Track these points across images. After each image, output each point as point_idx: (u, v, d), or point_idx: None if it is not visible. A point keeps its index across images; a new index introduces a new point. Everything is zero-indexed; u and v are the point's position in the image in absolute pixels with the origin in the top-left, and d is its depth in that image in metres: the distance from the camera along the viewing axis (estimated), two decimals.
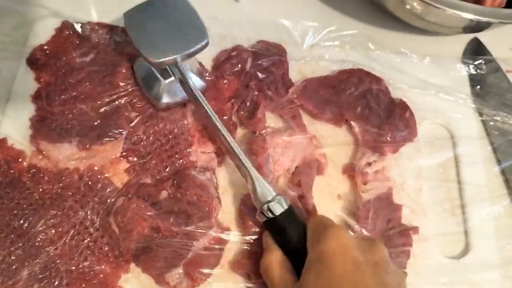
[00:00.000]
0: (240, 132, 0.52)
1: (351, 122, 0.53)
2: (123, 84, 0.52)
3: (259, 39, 0.56)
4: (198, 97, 0.47)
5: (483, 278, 0.48)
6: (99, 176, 0.48)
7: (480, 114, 0.56)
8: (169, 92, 0.50)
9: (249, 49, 0.55)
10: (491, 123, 0.56)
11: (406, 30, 0.61)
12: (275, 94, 0.53)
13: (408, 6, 0.54)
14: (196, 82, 0.49)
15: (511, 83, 0.58)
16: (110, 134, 0.49)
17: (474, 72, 0.59)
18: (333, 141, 0.53)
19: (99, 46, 0.54)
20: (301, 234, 0.42)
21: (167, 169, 0.49)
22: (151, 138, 0.50)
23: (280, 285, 0.40)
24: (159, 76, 0.50)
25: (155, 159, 0.49)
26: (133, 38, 0.47)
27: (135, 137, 0.50)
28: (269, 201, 0.43)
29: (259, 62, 0.55)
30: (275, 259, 0.42)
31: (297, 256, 0.41)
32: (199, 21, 0.48)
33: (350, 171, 0.51)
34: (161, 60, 0.45)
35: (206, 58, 0.55)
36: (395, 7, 0.57)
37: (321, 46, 0.57)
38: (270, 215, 0.42)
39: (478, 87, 0.58)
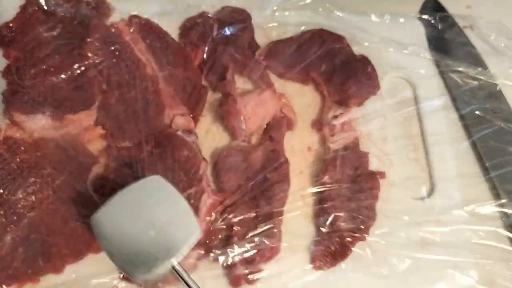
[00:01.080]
0: (211, 96, 0.54)
1: (317, 79, 0.55)
2: (92, 55, 0.53)
3: (224, 5, 0.58)
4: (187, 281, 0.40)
5: (449, 216, 0.50)
6: (75, 143, 0.49)
7: (438, 67, 0.59)
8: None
9: (214, 15, 0.57)
10: (450, 74, 0.58)
11: None
12: (243, 57, 0.55)
13: None
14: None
15: (467, 38, 0.61)
16: (82, 103, 0.50)
17: (431, 28, 0.62)
18: (300, 98, 0.55)
19: (65, 20, 0.55)
20: None
21: (143, 132, 0.50)
22: (124, 104, 0.51)
23: None
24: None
25: (130, 124, 0.50)
26: (104, 247, 0.38)
27: (108, 105, 0.51)
28: None
29: (225, 27, 0.56)
30: None
31: None
32: (184, 207, 0.40)
33: (318, 125, 0.54)
34: (143, 278, 0.38)
35: (173, 26, 0.56)
36: None
37: (284, 9, 0.59)
38: None
39: (436, 42, 0.61)
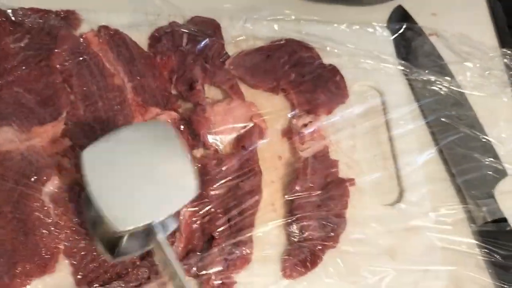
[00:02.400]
0: (181, 105, 0.54)
1: (286, 89, 0.56)
2: (59, 66, 0.52)
3: (194, 15, 0.58)
4: (170, 259, 0.36)
5: (417, 222, 0.51)
6: (40, 156, 0.48)
7: (406, 75, 0.60)
8: (129, 243, 0.37)
9: (184, 26, 0.57)
10: (417, 82, 0.59)
11: (334, 2, 0.65)
12: (212, 67, 0.55)
13: None
14: (169, 225, 0.39)
15: (433, 46, 0.63)
16: (50, 115, 0.50)
17: (399, 37, 0.63)
18: (271, 108, 0.55)
19: (33, 31, 0.54)
20: None
21: None
22: (92, 115, 0.51)
23: None
24: (111, 228, 0.34)
25: (98, 134, 0.49)
26: (91, 189, 0.33)
27: (76, 116, 0.50)
28: None
29: (195, 37, 0.56)
30: None
31: None
32: (186, 162, 0.36)
33: (288, 133, 0.54)
34: (128, 228, 0.33)
35: (142, 37, 0.56)
36: None
37: (254, 20, 0.60)
38: None
39: (403, 50, 0.62)
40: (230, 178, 0.50)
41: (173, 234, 0.42)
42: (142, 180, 0.34)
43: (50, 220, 0.45)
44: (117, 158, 0.35)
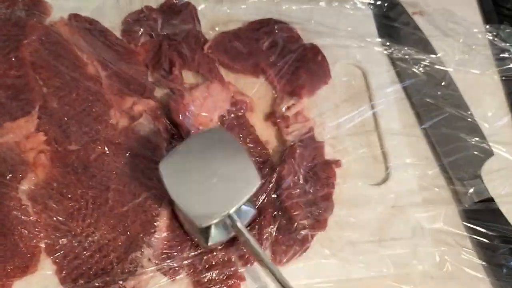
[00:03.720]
0: (159, 92, 0.52)
1: (267, 71, 0.54)
2: (29, 57, 0.50)
3: None
4: (252, 245, 0.41)
5: (404, 202, 0.51)
6: (14, 153, 0.46)
7: (389, 54, 0.59)
8: (218, 230, 0.43)
9: (158, 9, 0.55)
10: (400, 61, 0.58)
11: None
12: (190, 51, 0.53)
13: None
14: (246, 212, 0.45)
15: (416, 24, 0.61)
16: (21, 109, 0.48)
17: (381, 16, 0.61)
18: (252, 91, 0.54)
19: (0, 23, 0.52)
20: None
21: (89, 134, 0.48)
22: (66, 107, 0.49)
23: None
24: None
25: (74, 127, 0.48)
26: (174, 196, 0.39)
27: (49, 109, 0.48)
28: None
29: (170, 21, 0.54)
30: None
31: None
32: (246, 158, 0.41)
33: (272, 117, 0.53)
34: (208, 223, 0.39)
35: (115, 23, 0.54)
36: None
37: (231, 1, 0.58)
38: None
39: (386, 29, 0.60)
40: None
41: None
42: (212, 180, 0.40)
43: (29, 219, 0.44)
44: (188, 165, 0.41)
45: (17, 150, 0.46)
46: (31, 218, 0.44)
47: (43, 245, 0.44)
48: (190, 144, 0.42)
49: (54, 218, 0.44)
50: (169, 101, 0.50)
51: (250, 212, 0.45)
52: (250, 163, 0.41)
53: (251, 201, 0.46)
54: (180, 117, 0.49)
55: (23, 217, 0.44)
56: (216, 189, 0.40)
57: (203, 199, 0.40)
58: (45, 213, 0.44)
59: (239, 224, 0.41)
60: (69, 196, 0.45)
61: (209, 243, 0.43)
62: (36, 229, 0.44)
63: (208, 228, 0.42)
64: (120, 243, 0.44)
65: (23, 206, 0.44)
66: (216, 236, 0.43)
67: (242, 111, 0.52)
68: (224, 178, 0.40)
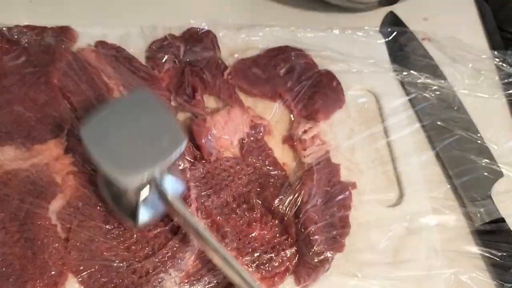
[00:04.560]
0: (181, 116, 0.54)
1: (284, 96, 0.56)
2: (58, 83, 0.52)
3: (190, 27, 0.59)
4: (186, 217, 0.41)
5: (418, 223, 0.52)
6: (43, 174, 0.48)
7: (400, 79, 0.61)
8: (146, 207, 0.43)
9: (181, 37, 0.58)
10: (411, 86, 0.60)
11: (328, 9, 0.65)
12: (211, 77, 0.56)
13: None
14: (175, 186, 0.44)
15: (425, 50, 0.64)
16: (51, 132, 0.50)
17: (392, 42, 0.64)
18: (270, 115, 0.56)
19: (30, 48, 0.54)
20: None
21: None
22: None
23: None
24: (130, 193, 0.42)
25: None
26: (94, 154, 0.38)
27: (77, 132, 0.50)
28: None
29: (192, 48, 0.57)
30: None
31: None
32: (171, 120, 0.42)
33: (289, 140, 0.55)
34: (134, 180, 0.38)
35: (139, 49, 0.57)
36: None
37: (250, 29, 0.61)
38: None
39: (397, 55, 0.63)
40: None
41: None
42: (137, 140, 0.40)
43: (57, 238, 0.46)
44: (111, 127, 0.40)
45: (46, 172, 0.48)
46: (60, 238, 0.46)
47: (71, 264, 0.45)
48: (114, 107, 0.41)
49: (81, 238, 0.46)
50: (192, 124, 0.52)
51: (179, 187, 0.44)
52: (175, 123, 0.41)
53: (179, 176, 0.46)
54: (203, 140, 0.51)
55: (52, 237, 0.45)
56: (141, 150, 0.39)
57: (127, 160, 0.39)
58: (72, 232, 0.46)
59: (171, 196, 0.40)
60: (94, 217, 0.47)
61: (139, 222, 0.42)
62: (64, 249, 0.45)
63: (136, 207, 0.42)
64: (147, 265, 0.45)
65: (52, 226, 0.46)
66: (145, 214, 0.42)
67: (260, 134, 0.54)
68: (148, 138, 0.40)
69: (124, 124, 0.40)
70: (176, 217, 0.43)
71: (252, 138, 0.53)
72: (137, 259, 0.46)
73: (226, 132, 0.53)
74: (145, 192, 0.41)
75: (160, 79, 0.55)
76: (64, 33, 0.56)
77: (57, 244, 0.45)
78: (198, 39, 0.58)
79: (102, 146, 0.39)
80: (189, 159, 0.51)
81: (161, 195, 0.41)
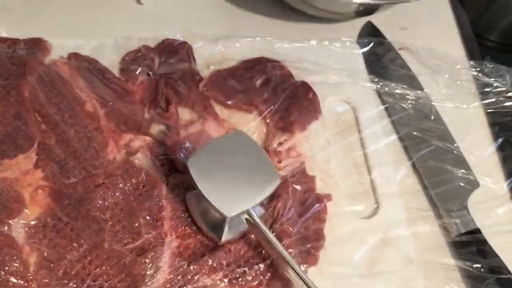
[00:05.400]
0: (155, 128, 0.54)
1: (260, 107, 0.56)
2: (29, 95, 0.52)
3: (165, 38, 0.58)
4: (270, 238, 0.45)
5: (393, 234, 0.52)
6: (11, 189, 0.47)
7: (377, 89, 0.61)
8: (231, 227, 0.47)
9: (155, 48, 0.57)
10: (388, 97, 0.60)
11: (304, 20, 0.65)
12: (186, 89, 0.55)
13: None
14: (259, 210, 0.48)
15: (403, 60, 0.64)
16: (20, 147, 0.49)
17: (369, 52, 0.64)
18: (246, 127, 0.56)
19: (1, 61, 0.53)
20: None
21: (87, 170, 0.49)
22: (65, 144, 0.50)
23: None
24: (221, 215, 0.45)
25: (72, 163, 0.49)
26: (201, 188, 0.43)
27: (48, 145, 0.50)
28: None
29: (167, 60, 0.56)
30: None
31: None
32: (266, 158, 0.46)
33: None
34: (234, 213, 0.43)
35: (113, 61, 0.56)
36: None
37: (226, 41, 0.60)
38: None
39: (374, 65, 0.63)
40: None
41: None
42: (237, 177, 0.45)
43: (21, 257, 0.44)
44: (213, 163, 0.45)
45: (15, 187, 0.47)
46: (23, 256, 0.44)
47: (34, 285, 0.43)
48: (215, 144, 0.46)
49: (46, 257, 0.44)
50: (165, 137, 0.51)
51: (261, 210, 0.49)
52: (270, 163, 0.46)
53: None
54: (177, 153, 0.50)
55: (15, 255, 0.44)
56: (239, 185, 0.44)
57: (228, 193, 0.44)
58: (38, 251, 0.45)
59: (257, 220, 0.44)
60: (64, 235, 0.46)
61: (223, 239, 0.47)
62: (28, 268, 0.44)
63: (222, 225, 0.46)
64: (118, 285, 0.44)
65: (16, 244, 0.44)
66: (228, 232, 0.47)
67: None
68: (246, 175, 0.45)
69: (224, 160, 0.45)
70: (258, 236, 0.47)
71: None
72: (110, 278, 0.45)
73: (200, 145, 0.52)
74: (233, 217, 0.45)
75: (134, 91, 0.55)
76: (36, 45, 0.55)
77: (20, 263, 0.43)
78: (173, 50, 0.57)
79: (207, 179, 0.44)
80: (164, 171, 0.50)
81: (251, 219, 0.45)
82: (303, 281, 0.44)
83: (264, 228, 0.45)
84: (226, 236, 0.47)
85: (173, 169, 0.51)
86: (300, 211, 0.51)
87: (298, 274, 0.44)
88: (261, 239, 0.47)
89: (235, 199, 0.44)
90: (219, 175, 0.44)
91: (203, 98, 0.56)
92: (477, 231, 0.51)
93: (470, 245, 0.50)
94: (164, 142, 0.51)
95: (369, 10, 0.64)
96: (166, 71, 0.56)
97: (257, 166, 0.45)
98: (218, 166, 0.45)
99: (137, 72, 0.55)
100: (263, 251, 0.48)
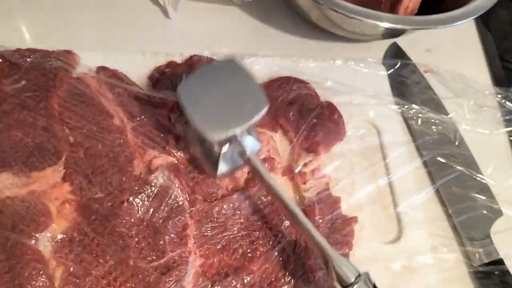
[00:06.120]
0: (181, 144, 0.54)
1: (285, 127, 0.56)
2: (58, 108, 0.52)
3: (192, 54, 0.58)
4: (262, 173, 0.46)
5: (416, 261, 0.52)
6: (39, 202, 0.47)
7: (402, 112, 0.61)
8: (225, 161, 0.48)
9: (183, 64, 0.57)
10: (412, 120, 0.60)
11: (330, 39, 0.66)
12: None
13: (328, 17, 0.58)
14: (253, 145, 0.48)
15: (428, 83, 0.64)
16: (49, 159, 0.49)
17: (394, 74, 0.64)
18: (269, 146, 0.56)
19: (31, 72, 0.54)
20: None
21: (114, 185, 0.49)
22: (92, 158, 0.50)
23: None
24: (214, 146, 0.47)
25: (99, 177, 0.49)
26: (188, 112, 0.43)
27: (75, 159, 0.50)
28: (353, 283, 0.40)
29: None
30: None
31: None
32: (255, 86, 0.45)
33: (289, 172, 0.54)
34: (218, 137, 0.43)
35: (141, 76, 0.56)
36: (318, 18, 0.61)
37: (252, 58, 0.60)
38: None
39: (398, 87, 0.63)
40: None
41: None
42: (225, 102, 0.44)
43: (47, 271, 0.44)
44: (202, 89, 0.45)
45: (42, 200, 0.48)
46: (49, 271, 0.45)
47: None
48: (206, 71, 0.46)
49: (72, 272, 0.45)
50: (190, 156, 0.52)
51: (256, 146, 0.49)
52: (259, 89, 0.45)
53: (257, 137, 0.50)
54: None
55: (41, 269, 0.44)
56: (227, 110, 0.44)
57: (214, 117, 0.44)
58: (64, 266, 0.45)
59: (248, 153, 0.45)
60: (90, 250, 0.46)
61: (218, 173, 0.48)
62: (54, 283, 0.44)
63: (217, 159, 0.47)
64: None
65: (41, 257, 0.45)
66: (223, 167, 0.48)
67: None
68: (234, 101, 0.44)
69: (214, 86, 0.45)
70: (252, 172, 0.48)
71: None
72: None
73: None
74: (225, 148, 0.46)
75: (160, 106, 0.55)
76: (66, 57, 0.56)
77: (45, 278, 0.44)
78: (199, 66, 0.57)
79: (195, 104, 0.44)
80: (187, 190, 0.50)
81: (240, 151, 0.46)
82: (295, 215, 0.44)
83: (255, 160, 0.45)
84: (221, 169, 0.47)
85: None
86: (328, 233, 0.51)
87: (288, 208, 0.44)
88: (255, 174, 0.47)
89: (221, 124, 0.43)
90: (208, 100, 0.44)
91: None
92: (501, 261, 0.51)
93: (493, 276, 0.50)
94: (188, 161, 0.51)
95: (395, 33, 0.63)
96: None
97: (246, 93, 0.45)
98: (207, 92, 0.45)
99: (164, 87, 0.55)
100: (287, 272, 0.48)
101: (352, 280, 0.40)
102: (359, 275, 0.41)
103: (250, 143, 0.47)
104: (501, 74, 0.68)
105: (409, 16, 0.60)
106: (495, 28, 0.76)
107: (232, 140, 0.46)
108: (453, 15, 0.57)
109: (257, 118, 0.44)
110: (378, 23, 0.54)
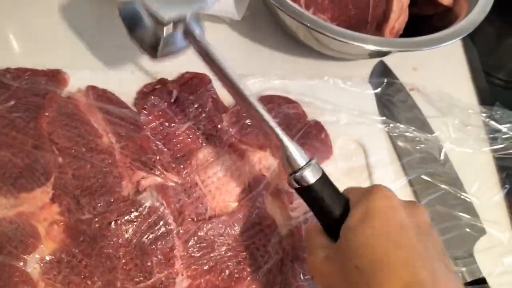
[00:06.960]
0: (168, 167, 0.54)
1: (273, 146, 0.57)
2: (47, 128, 0.52)
3: (184, 72, 0.59)
4: (211, 54, 0.45)
5: None
6: (27, 223, 0.48)
7: (388, 130, 0.62)
8: (167, 44, 0.48)
9: (174, 81, 0.58)
10: (398, 139, 0.61)
11: (318, 58, 0.66)
12: (208, 123, 0.56)
13: (315, 38, 0.59)
14: (200, 32, 0.47)
15: (414, 101, 0.65)
16: (37, 179, 0.50)
17: (380, 92, 0.65)
18: (259, 165, 0.56)
19: (20, 92, 0.54)
20: (336, 202, 0.41)
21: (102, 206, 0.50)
22: (80, 178, 0.51)
23: (316, 248, 0.39)
24: (155, 25, 0.46)
25: (87, 198, 0.50)
26: None
27: (64, 180, 0.50)
28: (303, 168, 0.41)
29: (186, 94, 0.57)
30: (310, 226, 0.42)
31: (332, 226, 0.40)
32: None
33: (277, 192, 0.55)
34: (170, 15, 0.43)
35: (130, 95, 0.57)
36: (305, 38, 0.62)
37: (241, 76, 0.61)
38: (304, 183, 0.41)
39: (385, 105, 0.64)
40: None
41: None
42: None
43: None
44: None
45: (31, 221, 0.48)
46: None
47: None
48: None
49: None
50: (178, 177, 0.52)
51: (203, 33, 0.48)
52: None
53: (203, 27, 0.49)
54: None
55: None
56: None
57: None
58: (52, 287, 0.45)
59: (197, 33, 0.45)
60: (78, 271, 0.46)
61: (159, 53, 0.47)
62: None
63: (158, 41, 0.47)
64: None
65: (30, 279, 0.45)
66: (165, 48, 0.47)
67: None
68: None
69: None
70: (200, 54, 0.47)
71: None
72: None
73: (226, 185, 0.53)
74: (169, 29, 0.46)
75: (146, 124, 0.55)
76: (55, 76, 0.56)
77: None
78: (193, 84, 0.58)
79: None
80: (174, 214, 0.51)
81: (188, 32, 0.46)
82: (247, 100, 0.44)
83: (206, 42, 0.45)
84: (162, 49, 0.47)
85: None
86: None
87: (239, 91, 0.45)
88: (203, 57, 0.46)
89: (172, 4, 0.43)
90: None
91: (228, 136, 0.56)
92: (483, 280, 0.52)
93: None
94: (175, 182, 0.52)
95: (382, 53, 0.65)
96: (185, 106, 0.56)
97: None
98: None
99: (151, 104, 0.55)
100: None
101: (302, 165, 0.41)
102: (311, 159, 0.41)
103: (197, 29, 0.47)
104: (486, 91, 0.69)
105: (394, 38, 0.61)
106: (480, 43, 0.77)
107: (180, 21, 0.46)
108: (439, 37, 0.58)
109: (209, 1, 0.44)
110: (363, 45, 0.55)
